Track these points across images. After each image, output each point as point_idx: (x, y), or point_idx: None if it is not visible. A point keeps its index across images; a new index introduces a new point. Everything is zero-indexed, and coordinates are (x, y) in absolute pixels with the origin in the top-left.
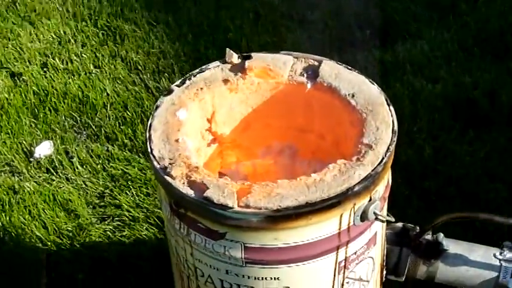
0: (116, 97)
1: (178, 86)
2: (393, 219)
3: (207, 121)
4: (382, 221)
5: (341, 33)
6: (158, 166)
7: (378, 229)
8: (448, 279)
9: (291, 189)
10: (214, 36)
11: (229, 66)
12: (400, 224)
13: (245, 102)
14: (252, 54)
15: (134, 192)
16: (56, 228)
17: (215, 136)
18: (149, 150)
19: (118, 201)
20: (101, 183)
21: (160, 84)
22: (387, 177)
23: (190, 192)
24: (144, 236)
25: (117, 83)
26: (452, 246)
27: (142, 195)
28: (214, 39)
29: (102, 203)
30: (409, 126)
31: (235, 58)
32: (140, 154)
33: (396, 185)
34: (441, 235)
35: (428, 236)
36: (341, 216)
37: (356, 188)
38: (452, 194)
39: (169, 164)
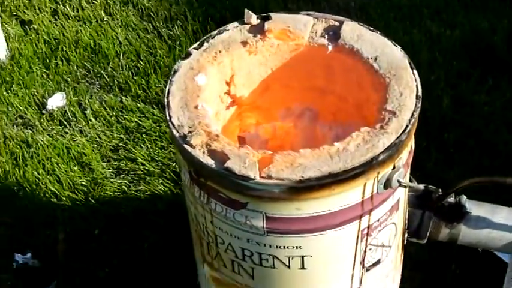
0: (128, 46)
1: (196, 48)
2: (416, 185)
3: (226, 84)
4: (406, 187)
5: None
6: (177, 134)
7: (401, 195)
8: (471, 242)
9: (314, 159)
10: None
11: (247, 27)
12: (422, 186)
13: (264, 64)
14: (271, 14)
15: (149, 146)
16: (71, 183)
17: (234, 99)
18: (168, 117)
19: (133, 155)
20: (115, 135)
21: (173, 32)
22: (411, 144)
23: (211, 162)
24: (159, 191)
25: (129, 30)
26: (475, 208)
27: (157, 149)
28: None
29: (117, 157)
30: (427, 75)
31: (254, 19)
32: (154, 105)
33: (414, 137)
34: (464, 197)
35: (451, 199)
36: (364, 185)
37: (380, 157)
38: (471, 145)
39: (189, 132)
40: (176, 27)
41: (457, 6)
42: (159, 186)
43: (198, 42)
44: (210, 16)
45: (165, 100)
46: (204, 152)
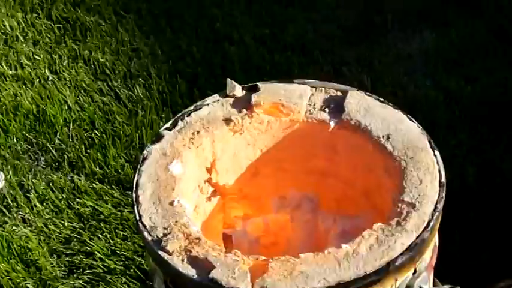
0: (79, 111)
1: (169, 129)
2: None
3: (206, 171)
4: None
5: (355, 22)
6: (150, 238)
7: None
8: None
9: (318, 265)
10: (198, 29)
11: (231, 101)
12: (447, 287)
13: (252, 145)
14: (260, 85)
15: (108, 236)
16: (13, 286)
17: (216, 188)
18: (137, 216)
19: (89, 248)
20: (66, 224)
21: (134, 93)
22: (435, 241)
23: (192, 272)
24: None
25: (80, 92)
26: None
27: (118, 240)
28: (199, 32)
29: (69, 251)
30: (446, 139)
31: (238, 91)
32: (113, 185)
33: None
34: None
35: None
36: None
37: (398, 261)
38: (504, 226)
39: (164, 235)
40: (138, 86)
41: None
42: (122, 286)
43: (171, 121)
44: (179, 72)
45: (134, 195)
46: (183, 260)
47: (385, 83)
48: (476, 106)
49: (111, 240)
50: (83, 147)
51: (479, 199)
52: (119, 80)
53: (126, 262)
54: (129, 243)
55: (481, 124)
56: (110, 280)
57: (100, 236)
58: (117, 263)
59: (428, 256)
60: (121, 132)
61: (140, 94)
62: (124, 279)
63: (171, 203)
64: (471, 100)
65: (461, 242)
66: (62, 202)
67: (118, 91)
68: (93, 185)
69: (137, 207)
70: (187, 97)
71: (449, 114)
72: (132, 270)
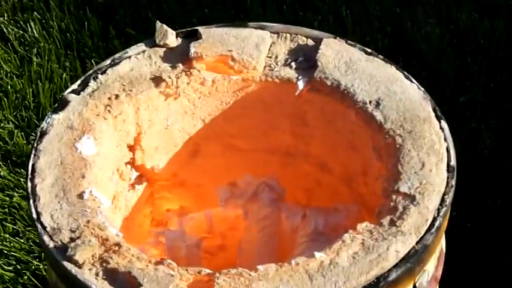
0: None
1: (76, 92)
2: None
3: (128, 150)
4: None
5: None
6: (52, 244)
7: None
8: None
9: (282, 282)
10: None
11: (161, 52)
12: None
13: (191, 114)
14: (201, 30)
15: None
16: None
17: (142, 172)
18: (34, 214)
19: None
20: None
21: (27, 32)
22: (441, 246)
23: None
24: None
25: None
26: None
27: (6, 235)
28: None
29: None
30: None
31: (171, 38)
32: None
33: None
34: None
35: None
36: None
37: (392, 276)
38: None
39: (71, 240)
40: (31, 23)
41: None
42: None
43: (79, 81)
44: (88, 3)
45: (28, 184)
46: (97, 274)
47: (370, 17)
48: (496, 49)
49: None
50: None
51: (498, 178)
52: (5, 15)
53: (18, 266)
54: (22, 241)
55: (502, 74)
56: None
57: None
58: (5, 267)
59: (432, 267)
60: (9, 87)
61: (35, 34)
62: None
63: (81, 196)
64: (489, 41)
65: (474, 242)
66: None
67: (4, 29)
68: None
69: (34, 201)
70: (100, 38)
71: (458, 60)
72: (25, 277)
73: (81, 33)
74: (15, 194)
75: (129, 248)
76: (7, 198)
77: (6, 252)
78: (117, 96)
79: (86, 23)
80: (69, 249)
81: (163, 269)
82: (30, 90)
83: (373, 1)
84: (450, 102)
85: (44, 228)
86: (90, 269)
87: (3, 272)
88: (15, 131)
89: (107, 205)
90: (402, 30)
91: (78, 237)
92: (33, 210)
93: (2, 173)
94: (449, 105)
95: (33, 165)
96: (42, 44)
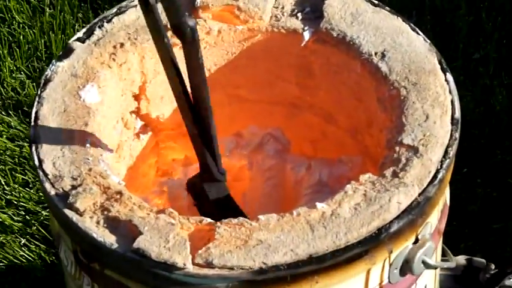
0: None
1: (81, 40)
2: (454, 261)
3: (133, 98)
4: (436, 268)
5: None
6: (53, 192)
7: (429, 281)
8: None
9: (283, 232)
10: None
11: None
12: (463, 260)
13: None
14: None
15: (2, 181)
16: None
17: (147, 121)
18: (36, 161)
19: None
20: None
21: None
22: (444, 198)
23: (110, 240)
24: (21, 259)
25: None
26: None
27: (16, 186)
28: None
29: None
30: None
31: None
32: (10, 111)
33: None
34: None
35: (510, 281)
36: (368, 272)
37: (393, 227)
38: None
39: (73, 187)
40: None
41: None
42: (20, 251)
43: (84, 29)
44: None
45: (31, 131)
46: (98, 222)
47: None
48: (510, 5)
49: (6, 187)
50: None
51: (509, 134)
52: None
53: (27, 217)
54: (31, 191)
55: None
56: (4, 241)
57: None
58: (14, 217)
59: (435, 219)
60: (21, 38)
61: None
62: (23, 240)
63: (83, 144)
64: None
65: (484, 198)
66: None
67: None
68: None
69: (36, 148)
70: None
71: (472, 16)
72: (34, 228)
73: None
74: (26, 144)
75: (130, 196)
76: (17, 149)
77: (15, 202)
78: (122, 45)
79: None
80: (71, 197)
81: (165, 218)
82: (43, 41)
83: None
84: (464, 58)
85: (46, 175)
86: (91, 217)
87: (12, 222)
88: (27, 81)
89: (110, 153)
90: None
91: (80, 185)
92: (35, 157)
93: (12, 123)
94: (462, 61)
95: (36, 112)
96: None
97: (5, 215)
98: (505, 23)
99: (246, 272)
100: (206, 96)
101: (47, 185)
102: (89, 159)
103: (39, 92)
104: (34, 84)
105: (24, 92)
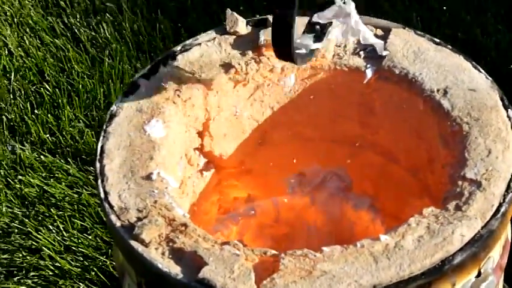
0: (23, 57)
1: (146, 76)
2: None
3: (197, 135)
4: None
5: None
6: (119, 224)
7: None
8: None
9: (347, 263)
10: None
11: (231, 39)
12: None
13: (260, 101)
14: (270, 17)
15: (61, 227)
16: None
17: (210, 158)
18: (102, 194)
19: (35, 243)
20: (4, 210)
21: (99, 34)
22: (506, 233)
23: (175, 271)
24: None
25: (26, 32)
26: None
27: (75, 232)
28: None
29: (8, 246)
30: None
31: (241, 26)
32: (69, 158)
33: None
34: None
35: None
36: None
37: (457, 259)
38: None
39: (139, 219)
40: (103, 25)
41: None
42: None
43: (149, 66)
44: (160, 5)
45: (97, 164)
46: (163, 253)
47: (440, 24)
48: None
49: (64, 233)
50: (28, 106)
51: None
52: (77, 16)
53: (85, 262)
54: (90, 237)
55: None
56: (63, 286)
57: (50, 226)
58: (73, 263)
59: (497, 254)
60: (80, 87)
61: (107, 35)
62: (82, 285)
63: (148, 177)
64: None
65: None
66: None
67: (77, 31)
68: (42, 157)
69: (102, 181)
70: (172, 40)
71: None
72: (93, 273)
73: (152, 36)
74: (84, 191)
75: (195, 228)
76: (75, 195)
77: (74, 248)
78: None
79: (158, 25)
80: (136, 228)
81: (229, 249)
82: (101, 90)
83: (443, 9)
84: None
85: (112, 207)
86: (156, 248)
87: (70, 267)
88: (86, 130)
89: (174, 186)
90: (472, 37)
91: (145, 217)
92: (101, 190)
93: (71, 171)
94: None
95: (102, 146)
96: (114, 45)
97: (64, 261)
98: None
99: None
100: None
101: (113, 217)
102: (154, 192)
103: (104, 127)
104: (93, 132)
105: (83, 141)
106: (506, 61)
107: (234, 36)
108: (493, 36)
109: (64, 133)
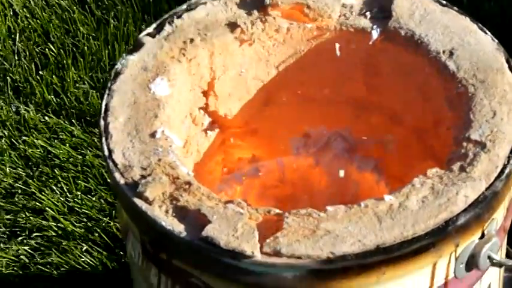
0: (28, 18)
1: (151, 35)
2: None
3: (202, 94)
4: (501, 266)
5: None
6: (122, 181)
7: (493, 279)
8: None
9: (351, 223)
10: None
11: None
12: None
13: (265, 61)
14: None
15: (65, 188)
16: None
17: (215, 118)
18: (106, 152)
19: (39, 204)
20: (8, 171)
21: None
22: (510, 194)
23: (179, 228)
24: (84, 265)
25: None
26: None
27: (79, 193)
28: None
29: (11, 207)
30: None
31: None
32: (73, 120)
33: None
34: None
35: None
36: (434, 265)
37: (460, 220)
38: None
39: (142, 177)
40: None
41: None
42: (83, 257)
43: (154, 24)
44: None
45: (101, 122)
46: (167, 211)
47: None
48: None
49: (68, 194)
50: (33, 67)
51: None
52: None
53: (89, 224)
54: (93, 199)
55: None
56: (66, 247)
57: (54, 187)
58: (76, 224)
59: (501, 215)
60: (85, 48)
61: None
62: (85, 246)
63: (153, 135)
64: None
65: None
66: (2, 140)
67: None
68: (46, 118)
69: (106, 139)
70: (177, 2)
71: None
72: (96, 234)
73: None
74: (89, 152)
75: (199, 186)
76: (79, 157)
77: (77, 209)
78: (192, 41)
79: None
80: (140, 186)
81: (233, 207)
82: (106, 52)
83: None
84: None
85: (116, 165)
86: (160, 206)
87: (73, 228)
88: (91, 91)
89: (178, 145)
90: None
91: (149, 175)
92: (105, 147)
93: (75, 132)
94: None
95: (106, 104)
96: (119, 7)
97: (67, 222)
98: None
99: (313, 261)
100: None
101: (117, 175)
102: (158, 150)
103: (109, 85)
104: (97, 94)
105: (88, 102)
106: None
107: None
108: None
109: (69, 94)
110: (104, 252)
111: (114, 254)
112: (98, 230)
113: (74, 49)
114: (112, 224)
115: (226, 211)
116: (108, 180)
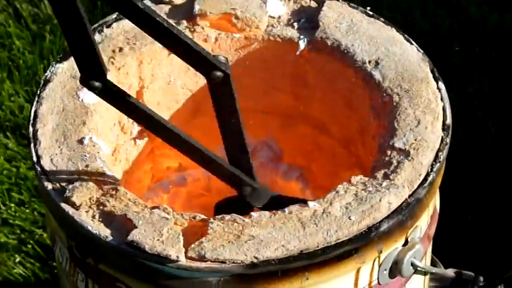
0: None
1: None
2: (443, 270)
3: None
4: (426, 274)
5: None
6: (50, 187)
7: (418, 287)
8: None
9: (275, 228)
10: None
11: (166, 9)
12: (451, 272)
13: (193, 70)
14: None
15: None
16: None
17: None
18: (34, 158)
19: None
20: None
21: (41, 9)
22: (434, 203)
23: (105, 233)
24: (16, 276)
25: None
26: None
27: (12, 205)
28: None
29: None
30: (461, 85)
31: None
32: (8, 133)
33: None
34: None
35: None
36: (358, 271)
37: (383, 227)
38: None
39: (69, 182)
40: (46, 1)
41: None
42: (16, 268)
43: None
44: None
45: (30, 129)
46: (94, 216)
47: (380, 6)
48: (505, 41)
49: (2, 206)
50: None
51: (500, 164)
52: None
53: (22, 235)
54: (27, 211)
55: (510, 66)
56: (0, 260)
57: None
58: (10, 236)
59: (425, 223)
60: (20, 62)
61: (48, 11)
62: (18, 258)
63: (81, 141)
64: (497, 33)
65: (474, 221)
66: None
67: (19, 6)
68: None
69: (34, 145)
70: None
71: (467, 51)
72: (29, 246)
73: (93, 12)
74: (23, 165)
75: (126, 192)
76: (14, 169)
77: (11, 221)
78: (120, 49)
79: (99, 2)
80: (67, 192)
81: (159, 213)
82: (42, 66)
83: None
84: (457, 91)
85: (44, 171)
86: (87, 211)
87: (7, 240)
88: (26, 105)
89: (106, 152)
90: (412, 20)
91: (76, 180)
92: (33, 153)
93: (10, 145)
94: (455, 94)
95: (35, 111)
96: (55, 21)
97: (1, 233)
98: (499, 58)
99: (237, 266)
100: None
101: (44, 181)
102: (86, 156)
103: (38, 92)
104: None
105: (22, 116)
106: (446, 45)
107: (169, 6)
108: (431, 17)
109: (3, 108)
110: (37, 264)
111: (47, 266)
112: (31, 242)
113: (10, 63)
114: (45, 235)
115: (152, 216)
116: (36, 183)
